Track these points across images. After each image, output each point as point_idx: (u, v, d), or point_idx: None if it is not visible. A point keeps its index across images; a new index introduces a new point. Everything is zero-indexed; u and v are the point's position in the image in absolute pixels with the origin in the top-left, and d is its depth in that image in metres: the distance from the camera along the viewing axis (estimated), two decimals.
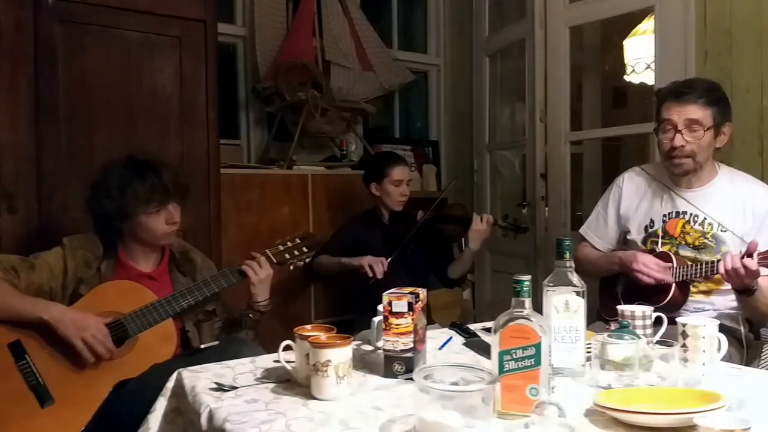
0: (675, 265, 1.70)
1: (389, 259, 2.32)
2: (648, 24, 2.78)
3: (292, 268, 1.84)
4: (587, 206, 3.04)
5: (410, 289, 1.24)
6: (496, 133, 3.39)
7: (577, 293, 1.21)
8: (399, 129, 3.82)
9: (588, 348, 1.22)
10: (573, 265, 1.23)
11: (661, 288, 1.70)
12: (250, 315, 1.74)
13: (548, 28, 2.81)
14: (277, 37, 3.08)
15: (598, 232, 1.95)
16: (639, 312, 1.36)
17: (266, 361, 1.31)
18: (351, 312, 2.56)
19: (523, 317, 1.02)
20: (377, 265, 2.29)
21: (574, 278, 1.23)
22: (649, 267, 1.69)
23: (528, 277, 1.05)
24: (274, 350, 1.26)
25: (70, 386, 1.46)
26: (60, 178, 2.13)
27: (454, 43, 3.72)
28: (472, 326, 1.58)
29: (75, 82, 2.15)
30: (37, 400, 1.40)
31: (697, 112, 1.66)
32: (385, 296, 1.22)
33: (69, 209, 2.14)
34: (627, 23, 2.99)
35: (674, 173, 1.75)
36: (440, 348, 1.42)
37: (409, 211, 2.56)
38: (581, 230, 2.01)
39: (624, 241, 1.91)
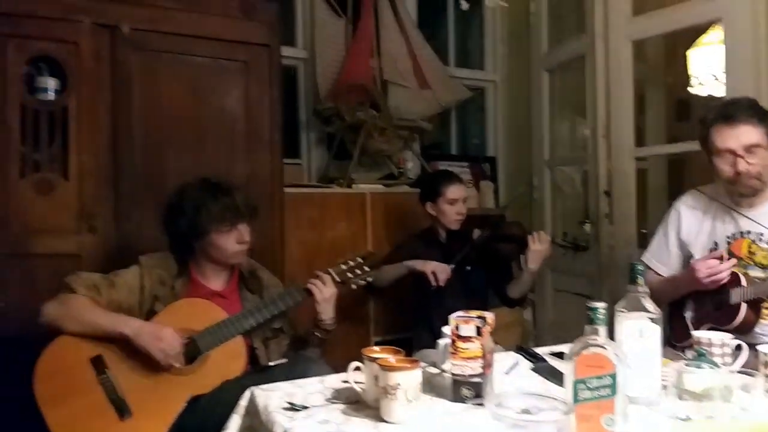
0: (745, 285, 1.63)
1: (452, 267, 2.32)
2: (714, 35, 2.69)
3: (354, 287, 1.87)
4: (653, 223, 2.95)
5: (477, 312, 1.24)
6: (556, 148, 3.34)
7: (652, 320, 1.18)
8: (455, 145, 3.82)
9: (663, 376, 1.19)
10: (647, 291, 1.20)
11: (731, 309, 1.63)
12: (317, 333, 1.78)
13: (610, 42, 2.76)
14: (337, 59, 3.15)
15: (661, 259, 1.90)
16: (717, 339, 1.31)
17: (335, 380, 1.33)
18: (410, 330, 2.57)
19: (598, 345, 1.00)
20: (441, 273, 2.29)
21: (648, 304, 1.20)
22: (713, 267, 1.63)
23: (603, 305, 1.03)
24: (337, 368, 1.28)
25: (147, 400, 1.52)
26: (135, 199, 2.24)
27: (512, 58, 3.70)
28: (539, 350, 1.56)
29: (149, 108, 2.27)
30: (117, 413, 1.47)
31: (752, 133, 1.62)
32: (453, 319, 1.22)
33: (144, 228, 2.25)
34: (691, 34, 2.90)
35: (742, 194, 1.70)
36: (507, 372, 1.41)
37: (468, 229, 2.55)
38: (644, 258, 1.95)
39: (687, 266, 1.85)
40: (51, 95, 2.14)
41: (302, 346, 1.82)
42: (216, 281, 1.81)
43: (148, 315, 1.67)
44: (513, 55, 3.68)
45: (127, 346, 1.55)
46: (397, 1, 3.28)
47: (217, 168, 2.35)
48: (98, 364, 1.53)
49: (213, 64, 2.37)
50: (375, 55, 3.17)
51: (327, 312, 1.77)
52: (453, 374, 1.20)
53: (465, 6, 2.86)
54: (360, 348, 2.65)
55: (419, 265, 2.34)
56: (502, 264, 2.57)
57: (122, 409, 1.48)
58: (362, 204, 2.94)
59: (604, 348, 1.00)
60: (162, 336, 1.55)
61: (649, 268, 1.91)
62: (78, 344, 1.53)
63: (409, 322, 2.61)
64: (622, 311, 1.20)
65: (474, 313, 1.24)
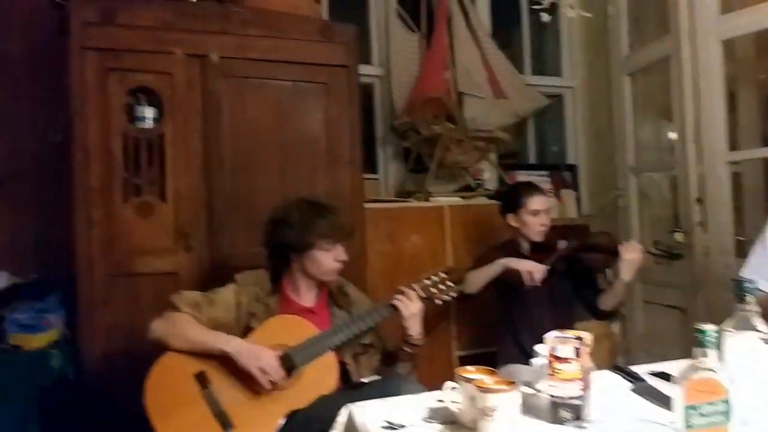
0: None
1: (547, 267, 2.28)
2: None
3: (439, 303, 1.88)
4: (750, 230, 2.78)
5: (574, 332, 1.22)
6: (641, 154, 3.22)
7: (765, 340, 1.12)
8: (533, 154, 3.76)
9: None
10: (758, 309, 1.14)
11: None
12: (406, 348, 1.80)
13: (697, 43, 2.64)
14: (412, 74, 3.18)
15: (764, 274, 1.78)
16: None
17: (429, 399, 1.34)
18: (492, 345, 2.54)
19: (709, 370, 0.96)
20: (537, 272, 2.25)
21: (759, 323, 1.13)
22: None
23: (713, 327, 0.99)
24: (426, 384, 1.27)
25: (248, 414, 1.59)
26: (227, 219, 2.35)
27: (590, 63, 3.60)
28: (637, 368, 1.51)
29: (237, 131, 2.38)
30: (221, 426, 1.55)
31: None
32: (549, 340, 1.20)
33: (235, 246, 2.36)
34: None
35: None
36: (604, 392, 1.37)
37: (552, 240, 2.50)
38: (743, 273, 1.84)
39: None
40: (149, 123, 2.29)
41: (392, 361, 1.84)
42: (307, 297, 1.87)
43: (245, 331, 1.75)
44: (591, 59, 3.58)
45: (228, 363, 1.63)
46: (470, 12, 3.28)
47: (300, 186, 2.43)
48: (201, 379, 1.62)
49: (295, 87, 2.46)
50: (449, 68, 3.18)
51: (414, 327, 1.79)
52: (551, 396, 1.19)
53: (546, 18, 2.82)
54: (443, 363, 2.66)
55: (514, 262, 2.30)
56: (590, 275, 2.50)
57: (225, 423, 1.55)
58: (440, 217, 2.94)
59: (716, 372, 0.96)
60: (261, 356, 1.62)
61: None
62: (183, 360, 1.63)
63: (491, 337, 2.58)
64: (731, 331, 1.14)
65: (570, 333, 1.21)
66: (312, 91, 2.48)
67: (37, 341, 2.15)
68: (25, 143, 2.64)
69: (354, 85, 2.52)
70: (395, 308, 1.78)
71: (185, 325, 1.66)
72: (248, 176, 2.40)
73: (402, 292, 1.80)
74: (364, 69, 3.14)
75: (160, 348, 1.71)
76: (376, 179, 3.25)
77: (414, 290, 1.81)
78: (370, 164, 3.28)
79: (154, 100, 2.30)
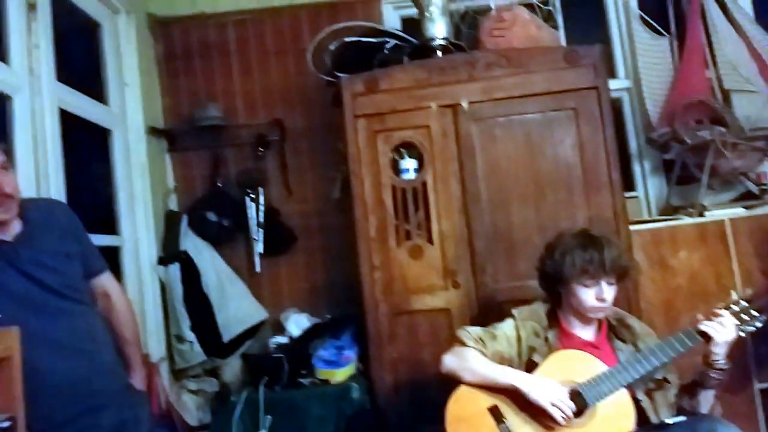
0: None
1: None
2: None
3: (743, 335, 1.67)
4: None
5: None
6: None
7: None
8: None
9: None
10: None
11: None
12: (712, 374, 1.64)
13: None
14: (665, 80, 2.95)
15: None
16: None
17: None
18: None
19: None
20: None
21: None
22: None
23: None
24: None
25: None
26: (488, 255, 2.44)
27: None
28: None
29: (490, 170, 2.46)
30: None
31: None
32: None
33: (498, 281, 2.43)
34: None
35: None
36: None
37: None
38: None
39: None
40: (412, 174, 2.51)
41: (694, 394, 1.69)
42: (585, 331, 1.82)
43: (527, 365, 1.78)
44: None
45: (518, 397, 1.66)
46: (728, 2, 2.93)
47: (558, 215, 2.42)
48: (496, 413, 1.68)
49: (543, 117, 2.46)
50: (710, 66, 2.87)
51: (722, 353, 1.63)
52: None
53: None
54: (744, 398, 2.34)
55: None
56: None
57: None
58: (721, 232, 2.62)
59: None
60: (552, 391, 1.62)
61: None
62: (476, 394, 1.71)
63: None
64: None
65: None
66: (561, 119, 2.46)
67: (340, 375, 2.47)
68: (311, 203, 3.11)
69: (605, 104, 2.42)
70: (704, 336, 1.64)
71: (475, 360, 1.74)
72: (505, 212, 2.46)
73: (714, 316, 1.64)
74: (610, 84, 3.01)
75: (444, 380, 1.82)
76: (635, 197, 3.05)
77: (726, 313, 1.64)
78: (626, 183, 3.09)
79: (414, 152, 2.52)
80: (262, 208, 3.03)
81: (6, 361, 1.25)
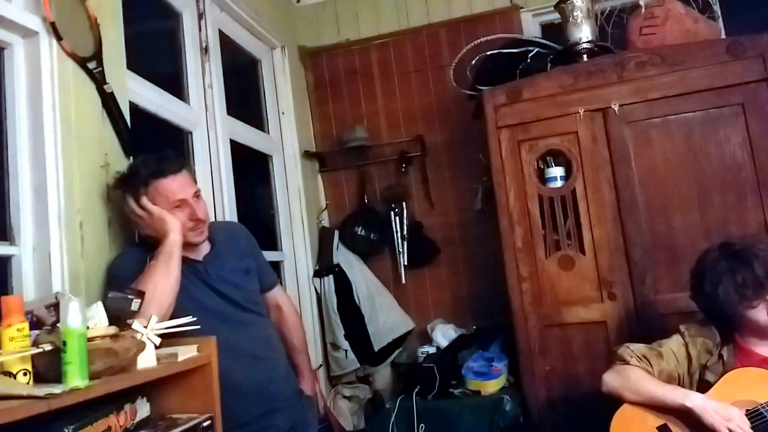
0: None
1: None
2: None
3: None
4: None
5: None
6: None
7: None
8: None
9: None
10: None
11: None
12: None
13: None
14: None
15: None
16: None
17: None
18: None
19: None
20: None
21: None
22: None
23: None
24: None
25: None
26: (647, 264, 2.31)
27: None
28: None
29: (646, 174, 2.34)
30: None
31: None
32: None
33: (659, 291, 2.29)
34: None
35: None
36: None
37: None
38: None
39: None
40: (559, 182, 2.46)
41: None
42: (766, 347, 1.66)
43: (699, 386, 1.66)
44: None
45: (688, 418, 1.56)
46: None
47: (726, 220, 2.24)
48: None
49: (705, 115, 2.30)
50: None
51: None
52: None
53: None
54: None
55: None
56: None
57: None
58: None
59: None
60: (730, 416, 1.51)
61: None
62: (642, 413, 1.63)
63: None
64: None
65: None
66: (725, 116, 2.28)
67: (491, 387, 2.47)
68: (453, 215, 3.15)
69: None
70: None
71: (638, 379, 1.66)
72: (664, 218, 2.32)
73: None
74: None
75: (603, 396, 1.76)
76: None
77: None
78: None
79: (560, 159, 2.46)
80: (405, 221, 3.13)
81: (207, 367, 1.42)
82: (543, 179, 2.49)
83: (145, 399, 1.34)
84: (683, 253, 2.25)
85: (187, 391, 1.42)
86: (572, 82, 2.40)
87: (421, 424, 2.40)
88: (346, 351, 2.95)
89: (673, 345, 1.74)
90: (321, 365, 2.98)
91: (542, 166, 2.50)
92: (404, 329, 3.04)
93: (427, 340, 2.95)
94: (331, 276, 3.04)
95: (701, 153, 2.30)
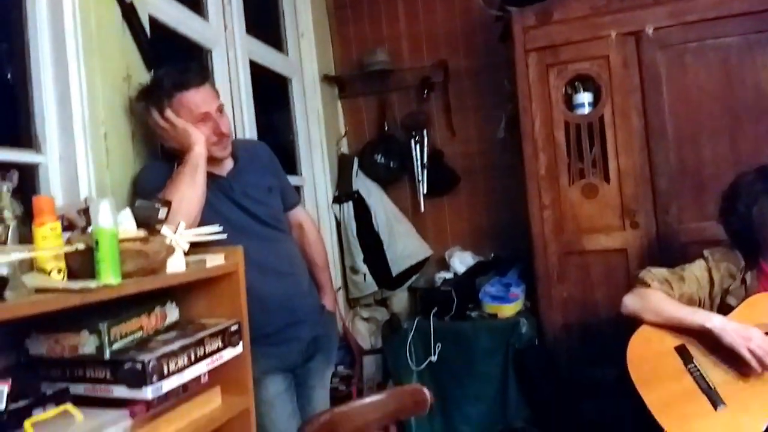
0: None
1: None
2: None
3: None
4: None
5: None
6: None
7: None
8: None
9: None
10: None
11: None
12: None
13: None
14: None
15: None
16: None
17: None
18: None
19: None
20: None
21: None
22: None
23: None
24: None
25: (740, 395, 1.51)
26: (672, 194, 2.28)
27: None
28: None
29: (678, 101, 2.28)
30: (710, 402, 1.51)
31: None
32: None
33: (683, 221, 2.28)
34: None
35: None
36: None
37: None
38: None
39: None
40: (586, 109, 2.40)
41: None
42: None
43: (720, 309, 1.67)
44: None
45: (708, 340, 1.58)
46: None
47: (759, 151, 2.19)
48: (683, 353, 1.61)
49: (744, 41, 2.21)
50: None
51: None
52: None
53: None
54: None
55: None
56: None
57: (715, 400, 1.51)
58: None
59: None
60: (750, 336, 1.51)
61: None
62: (660, 334, 1.65)
63: None
64: None
65: None
66: (764, 42, 2.19)
67: (507, 311, 2.51)
68: (475, 144, 3.11)
69: None
70: None
71: (659, 301, 1.67)
72: (694, 147, 2.28)
73: None
74: None
75: (619, 322, 1.77)
76: None
77: None
78: None
79: (589, 85, 2.39)
80: (426, 150, 3.09)
81: (234, 274, 1.45)
82: (570, 105, 2.43)
83: (174, 304, 1.38)
84: (711, 183, 2.22)
85: (214, 299, 1.46)
86: (605, 3, 2.30)
87: (438, 344, 2.46)
88: (364, 275, 3.00)
89: (696, 269, 1.74)
90: (340, 288, 3.04)
91: (570, 92, 2.44)
92: (422, 255, 3.07)
93: (445, 266, 2.99)
94: (350, 202, 3.05)
95: (737, 80, 2.22)
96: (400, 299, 3.10)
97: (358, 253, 2.99)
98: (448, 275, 2.87)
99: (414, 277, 3.07)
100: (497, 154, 2.99)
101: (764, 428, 1.44)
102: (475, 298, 2.60)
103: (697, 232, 2.21)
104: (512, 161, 2.70)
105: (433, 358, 2.47)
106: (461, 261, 2.92)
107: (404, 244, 3.06)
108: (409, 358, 2.51)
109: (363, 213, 3.05)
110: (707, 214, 2.20)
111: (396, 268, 3.01)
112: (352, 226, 3.01)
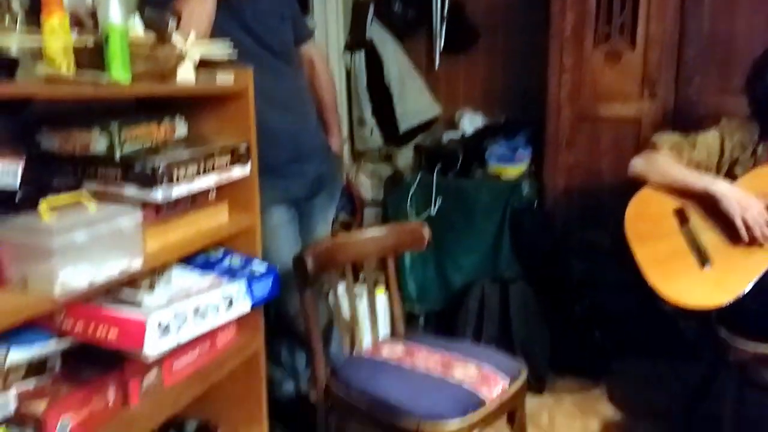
0: None
1: None
2: None
3: None
4: None
5: None
6: None
7: None
8: None
9: None
10: None
11: None
12: None
13: None
14: None
15: None
16: None
17: None
18: None
19: None
20: None
21: None
22: None
23: None
24: None
25: (727, 258, 1.55)
26: (699, 65, 2.20)
27: None
28: None
29: None
30: (698, 261, 1.57)
31: None
32: None
33: (704, 94, 2.22)
34: None
35: None
36: None
37: None
38: None
39: None
40: None
41: None
42: None
43: (726, 178, 1.67)
44: None
45: (708, 204, 1.60)
46: None
47: None
48: (681, 215, 1.64)
49: None
50: None
51: None
52: None
53: None
54: None
55: None
56: None
57: (703, 259, 1.56)
58: None
59: None
60: (748, 206, 1.53)
61: None
62: (662, 196, 1.67)
63: None
64: None
65: None
66: None
67: (511, 172, 2.52)
68: None
69: None
70: None
71: (666, 164, 1.67)
72: (729, 18, 2.15)
73: None
74: None
75: (623, 190, 1.78)
76: None
77: None
78: None
79: None
80: (447, 1, 2.92)
81: (243, 95, 1.43)
82: None
83: (183, 119, 1.37)
84: (739, 56, 2.12)
85: (224, 120, 1.45)
86: None
87: (438, 197, 2.50)
88: (372, 129, 2.97)
89: (709, 137, 1.72)
90: (345, 140, 3.02)
91: None
92: (431, 114, 3.02)
93: (454, 127, 2.95)
94: (362, 52, 2.94)
95: None
96: (405, 156, 3.09)
97: (366, 105, 2.94)
98: (456, 135, 2.85)
99: (421, 136, 3.05)
100: (522, 11, 2.82)
101: (747, 290, 1.50)
102: (480, 159, 2.59)
103: (716, 106, 2.16)
104: (537, 18, 2.56)
105: (432, 212, 2.52)
106: (471, 122, 2.88)
107: (415, 101, 2.99)
108: (409, 209, 2.56)
109: (375, 64, 2.95)
110: (730, 89, 2.15)
111: (404, 124, 2.97)
112: (362, 76, 2.93)
